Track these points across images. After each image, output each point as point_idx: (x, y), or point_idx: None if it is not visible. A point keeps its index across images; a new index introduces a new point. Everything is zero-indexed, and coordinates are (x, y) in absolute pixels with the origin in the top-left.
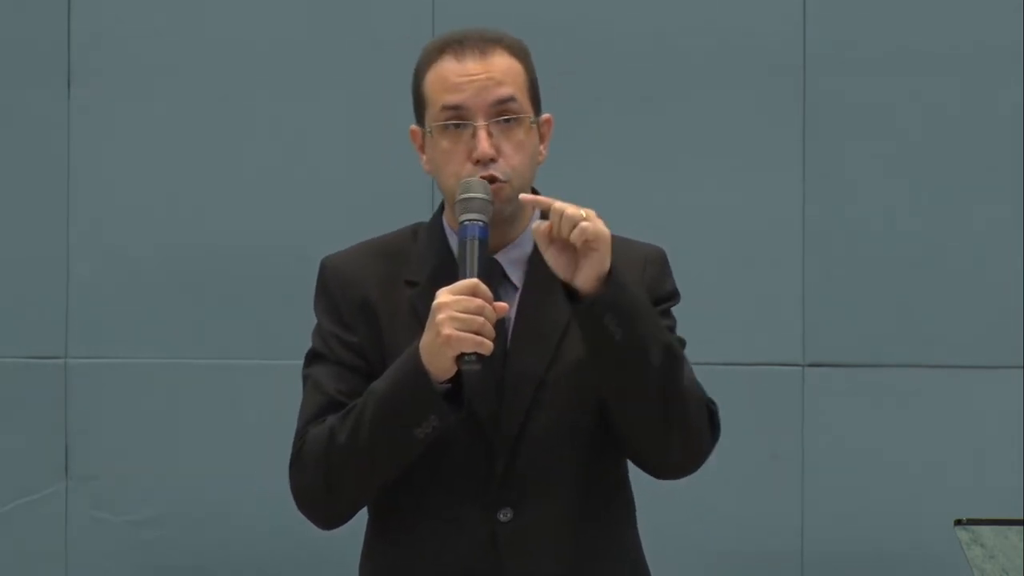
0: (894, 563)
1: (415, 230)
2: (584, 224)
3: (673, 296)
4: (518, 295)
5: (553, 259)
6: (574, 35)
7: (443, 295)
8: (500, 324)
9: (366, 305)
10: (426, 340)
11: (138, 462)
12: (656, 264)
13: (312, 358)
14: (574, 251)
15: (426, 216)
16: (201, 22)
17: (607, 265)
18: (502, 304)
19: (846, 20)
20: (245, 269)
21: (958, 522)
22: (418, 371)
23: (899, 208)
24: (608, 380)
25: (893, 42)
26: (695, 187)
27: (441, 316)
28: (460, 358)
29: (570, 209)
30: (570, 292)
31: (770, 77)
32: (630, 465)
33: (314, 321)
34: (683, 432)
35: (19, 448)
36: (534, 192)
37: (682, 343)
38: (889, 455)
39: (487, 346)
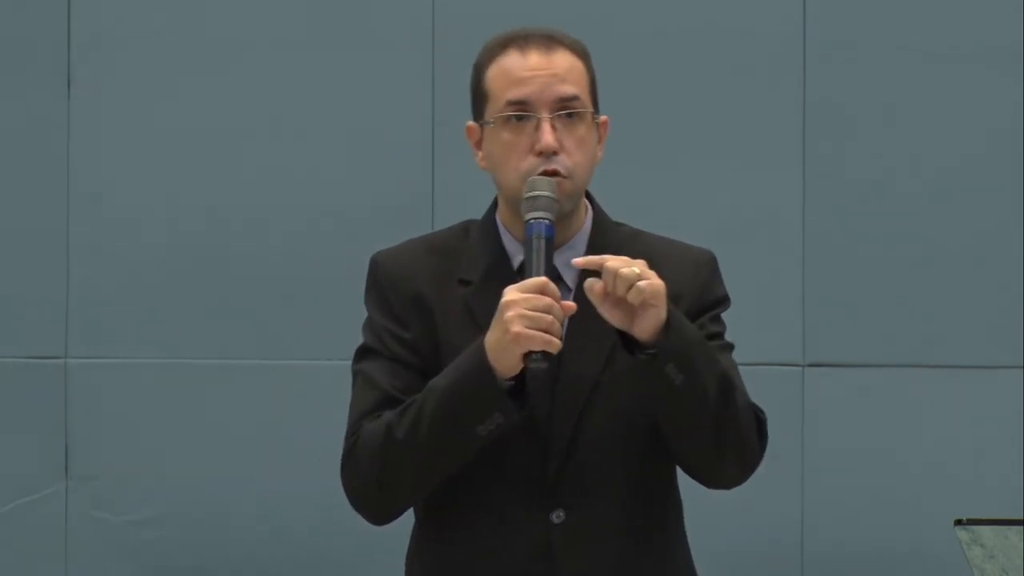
0: (894, 563)
1: (466, 227)
2: (640, 284)
3: (723, 301)
4: (571, 296)
5: (608, 312)
6: (573, 35)
7: (512, 292)
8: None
9: (419, 301)
10: (493, 337)
11: (138, 462)
12: (707, 268)
13: (364, 353)
14: (629, 303)
15: (422, 219)
16: (201, 22)
17: (664, 316)
18: (569, 303)
19: (846, 19)
20: (245, 269)
21: (958, 522)
22: (483, 368)
23: (899, 208)
24: (668, 417)
25: (893, 41)
26: (694, 186)
27: (510, 313)
28: (527, 356)
29: (624, 270)
30: (626, 339)
31: (770, 77)
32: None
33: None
34: (735, 451)
35: (19, 448)
36: (588, 196)
37: (730, 348)
38: (889, 455)
39: (555, 344)
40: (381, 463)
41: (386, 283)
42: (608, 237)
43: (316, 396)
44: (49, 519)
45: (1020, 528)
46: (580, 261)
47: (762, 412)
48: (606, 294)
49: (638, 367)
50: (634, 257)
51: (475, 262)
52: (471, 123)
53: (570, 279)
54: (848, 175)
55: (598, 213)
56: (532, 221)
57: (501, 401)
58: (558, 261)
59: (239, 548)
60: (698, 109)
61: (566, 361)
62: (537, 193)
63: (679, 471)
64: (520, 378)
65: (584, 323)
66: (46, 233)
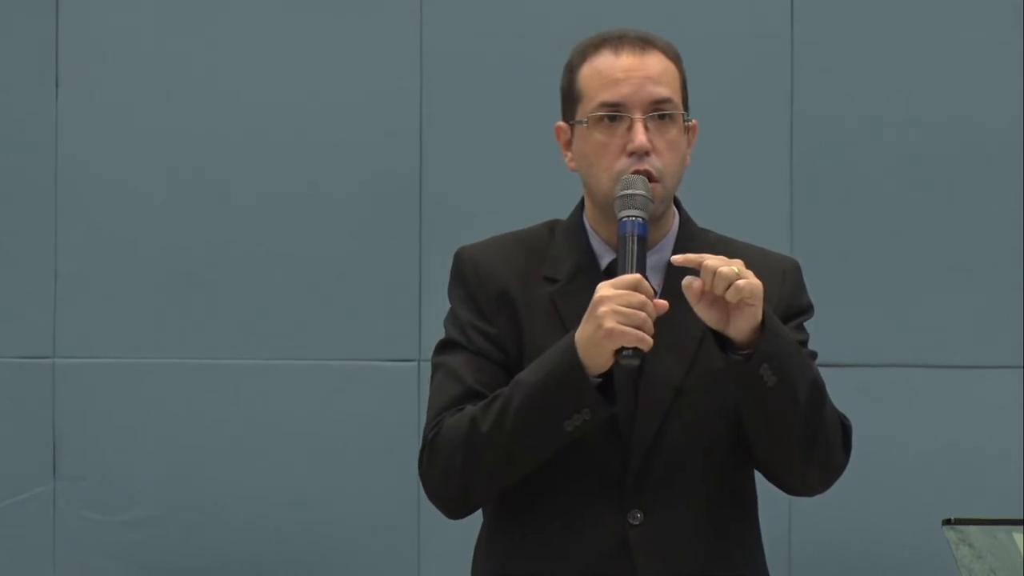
0: (882, 562)
1: (551, 227)
2: (740, 283)
3: (808, 309)
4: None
5: (704, 312)
6: (561, 40)
7: (605, 288)
8: None
9: (505, 297)
10: (585, 332)
11: (126, 462)
12: (792, 276)
13: (446, 346)
14: (725, 303)
15: (409, 218)
16: (188, 23)
17: (760, 317)
18: (662, 302)
19: (834, 20)
20: (234, 269)
21: (946, 522)
22: (573, 363)
23: (887, 209)
24: (756, 419)
25: (881, 41)
26: (680, 191)
27: (603, 309)
28: (619, 352)
29: (723, 268)
30: (721, 340)
31: (757, 79)
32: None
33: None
34: (821, 459)
35: (7, 448)
36: (675, 201)
37: (814, 356)
38: (877, 454)
39: (648, 342)
40: (463, 455)
41: (472, 278)
42: (695, 242)
43: (305, 395)
44: (37, 519)
45: (1008, 528)
46: (679, 259)
47: (847, 420)
48: (703, 293)
49: (731, 368)
50: None
51: (562, 261)
52: (561, 123)
53: (656, 282)
54: (836, 176)
55: (685, 218)
56: (626, 219)
57: (590, 396)
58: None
59: (227, 548)
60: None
61: (650, 362)
62: (632, 191)
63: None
64: (608, 376)
65: (670, 325)
66: (34, 233)
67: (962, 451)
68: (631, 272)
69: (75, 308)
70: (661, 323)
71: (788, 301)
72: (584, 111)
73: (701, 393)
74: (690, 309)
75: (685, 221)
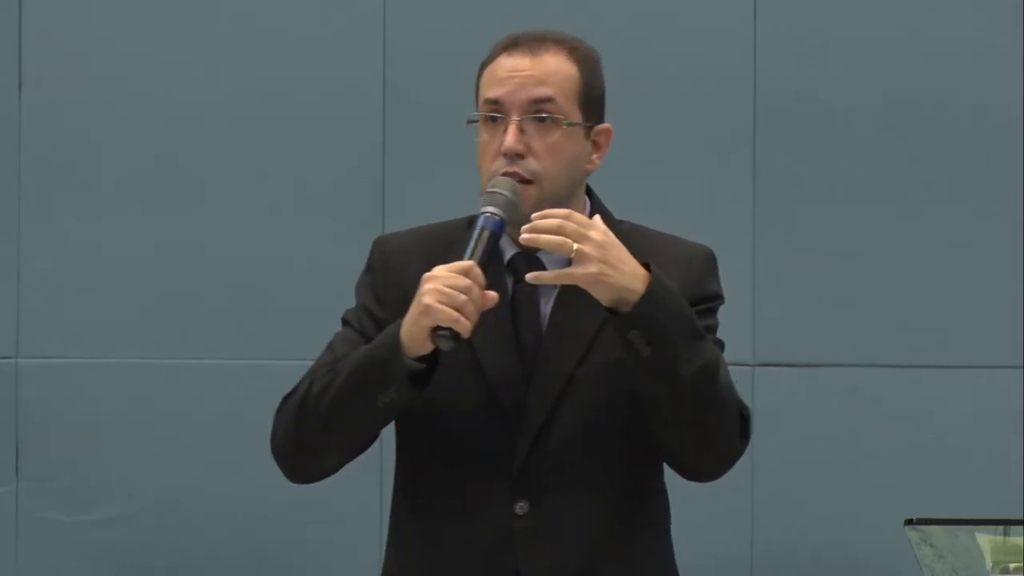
0: (844, 564)
1: (471, 220)
2: (543, 238)
3: (715, 297)
4: (555, 292)
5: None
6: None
7: (436, 270)
8: (536, 318)
9: (406, 291)
10: (409, 311)
11: (89, 463)
12: (699, 264)
13: (341, 324)
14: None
15: (372, 215)
16: (152, 22)
17: (606, 298)
18: (492, 293)
19: (796, 16)
20: (198, 269)
21: (908, 522)
22: (393, 339)
23: (849, 207)
24: (645, 396)
25: (844, 38)
26: (643, 186)
27: (427, 287)
28: (435, 332)
29: (540, 222)
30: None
31: (720, 75)
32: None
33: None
34: (714, 441)
35: None
36: (589, 193)
37: (720, 345)
38: (839, 455)
39: (463, 324)
40: (295, 414)
41: (379, 266)
42: None
43: (273, 395)
44: (0, 520)
45: (970, 528)
46: (527, 238)
47: (746, 408)
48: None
49: (612, 327)
50: (632, 254)
51: (464, 253)
52: (467, 121)
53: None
54: (798, 173)
55: (597, 210)
56: (483, 214)
57: (398, 375)
58: (548, 259)
59: (192, 547)
60: (646, 108)
61: (543, 353)
62: (495, 191)
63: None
64: (434, 361)
65: (567, 314)
66: None
67: (962, 451)
68: (470, 259)
69: (38, 308)
70: (559, 314)
71: (693, 288)
72: (478, 110)
73: (594, 383)
74: (590, 302)
75: (596, 213)
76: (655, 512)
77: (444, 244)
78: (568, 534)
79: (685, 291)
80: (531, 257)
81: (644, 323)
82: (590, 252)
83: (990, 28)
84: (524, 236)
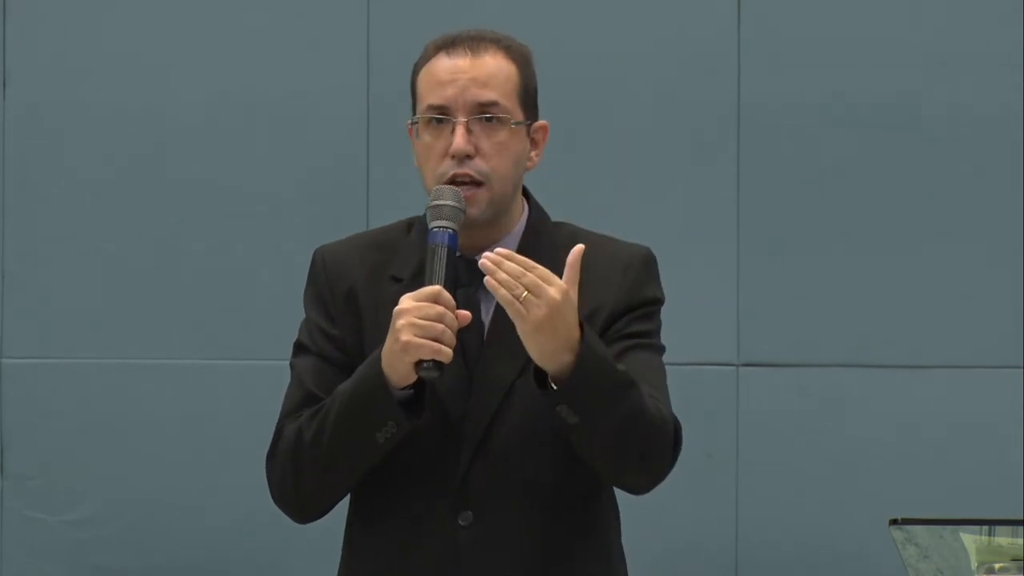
0: (828, 562)
1: (410, 224)
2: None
3: (654, 302)
4: (495, 300)
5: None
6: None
7: (405, 301)
8: (477, 326)
9: (351, 296)
10: (387, 346)
11: (73, 462)
12: (637, 267)
13: (297, 349)
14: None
15: (356, 216)
16: (136, 22)
17: (532, 353)
18: (465, 312)
19: (780, 19)
20: (181, 268)
21: (893, 522)
22: (378, 377)
23: (833, 208)
24: (564, 432)
25: (828, 41)
26: (628, 186)
27: (401, 322)
28: (418, 365)
29: (501, 291)
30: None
31: (704, 78)
32: None
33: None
34: (641, 469)
35: None
36: (528, 197)
37: (657, 348)
38: (823, 455)
39: (446, 353)
40: (293, 465)
41: (323, 278)
42: (542, 239)
43: (252, 395)
44: None
45: (955, 528)
46: (485, 264)
47: (677, 423)
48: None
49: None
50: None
51: (407, 260)
52: (408, 123)
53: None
54: (782, 174)
55: (535, 214)
56: (434, 230)
57: (392, 410)
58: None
59: (174, 548)
60: (631, 111)
61: (484, 363)
62: (441, 202)
63: None
64: (420, 385)
65: (504, 326)
66: None
67: (962, 451)
68: (434, 283)
69: (22, 308)
70: (500, 322)
71: (629, 294)
72: (418, 113)
73: (534, 393)
74: None
75: (535, 216)
76: (601, 519)
77: (380, 249)
78: (513, 544)
79: (621, 297)
80: (472, 262)
81: (572, 397)
82: (536, 308)
83: (987, 29)
84: (483, 268)
